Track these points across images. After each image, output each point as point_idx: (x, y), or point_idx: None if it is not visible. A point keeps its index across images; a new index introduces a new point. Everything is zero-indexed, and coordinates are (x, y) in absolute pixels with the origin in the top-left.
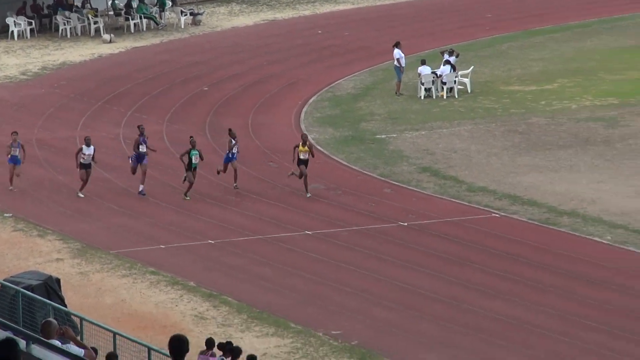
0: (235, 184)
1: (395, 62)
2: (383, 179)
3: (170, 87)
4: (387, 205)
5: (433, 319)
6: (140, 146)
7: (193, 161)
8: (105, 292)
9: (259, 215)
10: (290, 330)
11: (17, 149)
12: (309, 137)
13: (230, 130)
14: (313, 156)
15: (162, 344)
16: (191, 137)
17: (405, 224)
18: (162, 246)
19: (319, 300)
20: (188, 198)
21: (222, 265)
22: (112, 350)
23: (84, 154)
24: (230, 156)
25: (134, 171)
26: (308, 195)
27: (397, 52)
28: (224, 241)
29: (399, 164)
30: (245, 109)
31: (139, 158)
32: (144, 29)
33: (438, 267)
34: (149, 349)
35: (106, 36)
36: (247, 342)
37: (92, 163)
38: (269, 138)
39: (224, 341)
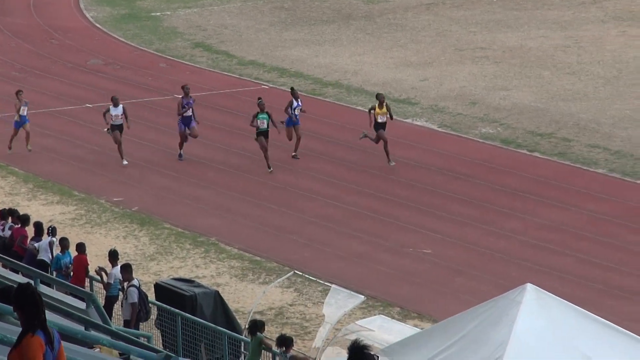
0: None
1: None
2: (158, 54)
3: None
4: (162, 79)
5: (211, 185)
6: (183, 108)
7: (260, 127)
8: None
9: (43, 90)
10: (74, 198)
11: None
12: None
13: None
14: (392, 118)
15: None
16: (259, 98)
17: (180, 96)
18: None
19: (101, 169)
20: (271, 169)
21: (8, 138)
22: None
23: (112, 115)
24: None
25: (184, 137)
26: (392, 164)
27: None
28: (8, 115)
29: (173, 40)
30: None
31: (185, 121)
32: None
33: (214, 137)
34: None
35: None
36: (33, 209)
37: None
38: (50, 16)
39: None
